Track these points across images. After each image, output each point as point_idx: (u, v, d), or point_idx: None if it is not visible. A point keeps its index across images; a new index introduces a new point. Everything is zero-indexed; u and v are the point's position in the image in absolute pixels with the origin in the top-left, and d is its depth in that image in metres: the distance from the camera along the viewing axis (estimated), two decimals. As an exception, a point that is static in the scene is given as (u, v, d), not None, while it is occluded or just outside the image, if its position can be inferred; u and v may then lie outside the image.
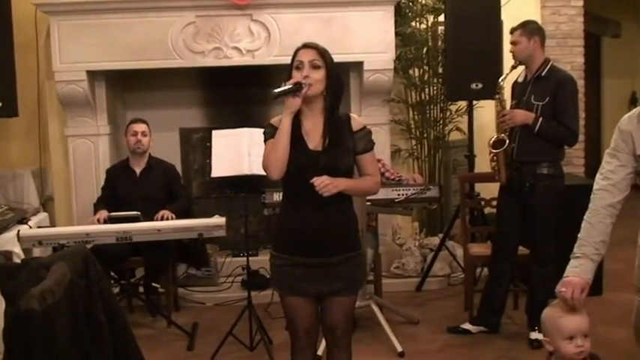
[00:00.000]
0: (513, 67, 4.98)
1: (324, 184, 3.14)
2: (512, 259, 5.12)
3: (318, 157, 3.23)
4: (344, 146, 3.26)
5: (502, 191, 5.10)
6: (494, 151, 4.94)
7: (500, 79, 5.05)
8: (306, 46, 3.28)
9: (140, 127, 5.73)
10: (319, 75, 3.22)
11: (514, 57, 4.95)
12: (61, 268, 3.05)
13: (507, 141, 4.89)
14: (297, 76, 3.21)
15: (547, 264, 4.87)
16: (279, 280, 3.38)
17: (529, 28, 4.90)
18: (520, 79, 5.05)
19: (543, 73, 4.86)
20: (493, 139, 4.96)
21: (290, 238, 3.31)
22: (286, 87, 3.16)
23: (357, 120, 3.36)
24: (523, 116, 4.83)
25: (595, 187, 3.12)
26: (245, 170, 4.91)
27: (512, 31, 4.95)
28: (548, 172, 4.84)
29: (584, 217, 3.09)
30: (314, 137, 3.27)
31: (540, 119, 4.77)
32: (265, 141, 3.30)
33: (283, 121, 3.19)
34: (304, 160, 3.21)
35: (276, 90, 3.14)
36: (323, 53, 3.26)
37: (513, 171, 4.92)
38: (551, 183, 4.85)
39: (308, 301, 3.34)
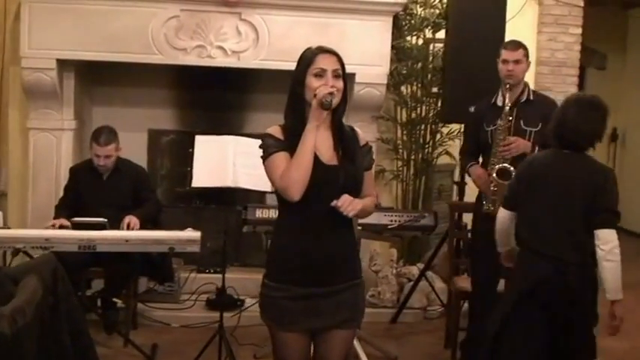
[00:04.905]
0: (509, 89, 4.61)
1: (349, 202, 2.84)
2: (495, 295, 4.69)
3: (336, 172, 2.91)
4: (358, 159, 3.00)
5: (489, 221, 4.62)
6: (501, 182, 4.55)
7: (506, 102, 4.66)
8: (326, 51, 2.94)
9: (103, 151, 5.18)
10: (341, 85, 2.92)
11: (509, 77, 4.58)
12: (31, 283, 2.72)
13: (513, 171, 4.52)
14: (315, 84, 2.88)
15: None
16: (274, 313, 3.01)
17: (526, 49, 4.67)
18: (499, 103, 4.67)
19: (531, 97, 4.63)
20: (497, 168, 4.58)
21: (296, 266, 2.94)
22: (332, 97, 2.84)
23: (362, 134, 3.11)
24: (524, 145, 4.53)
25: None
26: (229, 182, 4.57)
27: (514, 47, 4.63)
28: None
29: None
30: (324, 151, 2.94)
31: (537, 147, 4.46)
32: (267, 155, 2.93)
33: (308, 135, 2.85)
34: (321, 176, 2.87)
35: (328, 99, 2.81)
36: (342, 62, 2.95)
37: None
38: None
39: (304, 336, 3.03)
